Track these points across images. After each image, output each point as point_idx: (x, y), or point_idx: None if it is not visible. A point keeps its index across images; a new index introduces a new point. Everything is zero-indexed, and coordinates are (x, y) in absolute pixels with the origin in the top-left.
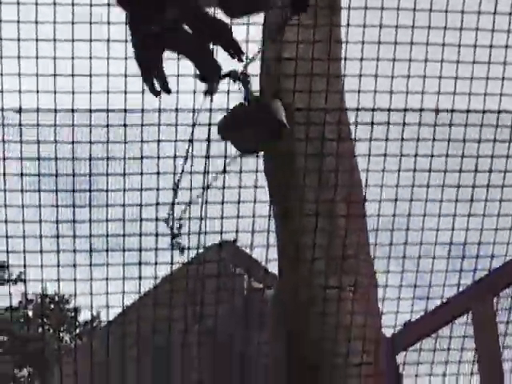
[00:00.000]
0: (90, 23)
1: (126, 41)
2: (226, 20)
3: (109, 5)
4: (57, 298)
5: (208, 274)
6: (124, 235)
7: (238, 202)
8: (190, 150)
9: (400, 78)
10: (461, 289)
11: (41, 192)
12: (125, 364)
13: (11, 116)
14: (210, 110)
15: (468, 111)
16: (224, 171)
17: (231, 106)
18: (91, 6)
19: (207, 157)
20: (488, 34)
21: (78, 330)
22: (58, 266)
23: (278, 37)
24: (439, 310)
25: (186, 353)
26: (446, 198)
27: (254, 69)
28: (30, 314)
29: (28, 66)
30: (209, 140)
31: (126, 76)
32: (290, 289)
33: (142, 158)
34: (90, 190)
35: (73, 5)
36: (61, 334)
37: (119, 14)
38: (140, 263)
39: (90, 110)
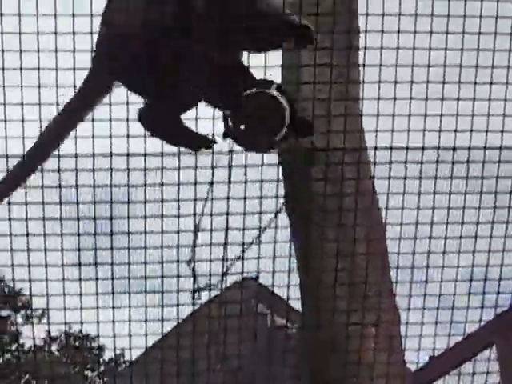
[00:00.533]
0: None
1: None
2: None
3: None
4: (81, 336)
5: (230, 313)
6: (146, 277)
7: (259, 243)
8: (210, 193)
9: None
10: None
11: (63, 236)
12: None
13: None
14: (231, 152)
15: (485, 148)
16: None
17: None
18: None
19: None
20: None
21: (101, 368)
22: (81, 308)
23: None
24: (461, 345)
25: None
26: (465, 234)
27: None
28: (54, 350)
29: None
30: (229, 181)
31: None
32: (312, 327)
33: (162, 201)
34: (111, 234)
35: None
36: (85, 372)
37: None
38: (162, 306)
39: (111, 154)
